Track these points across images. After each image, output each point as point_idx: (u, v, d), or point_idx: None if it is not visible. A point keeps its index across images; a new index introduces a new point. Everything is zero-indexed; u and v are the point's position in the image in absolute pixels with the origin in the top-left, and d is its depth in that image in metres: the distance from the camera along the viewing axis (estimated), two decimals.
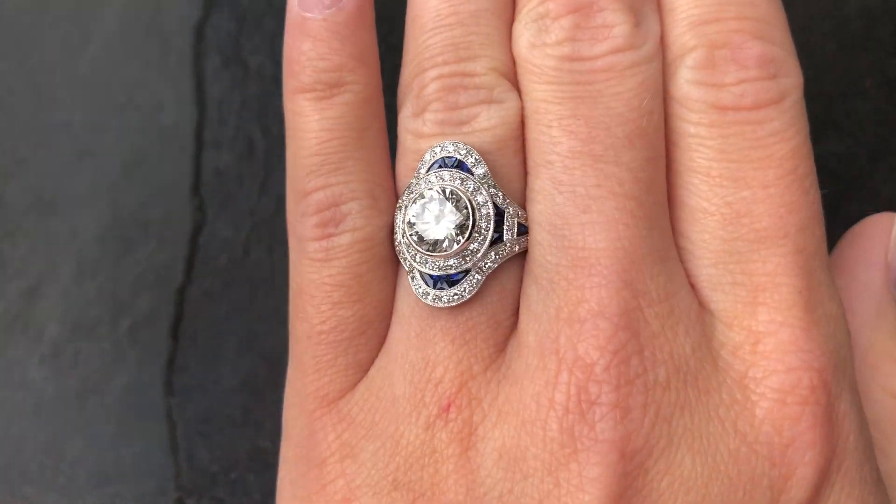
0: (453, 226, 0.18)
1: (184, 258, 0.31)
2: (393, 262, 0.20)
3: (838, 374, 0.17)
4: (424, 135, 0.19)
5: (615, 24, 0.18)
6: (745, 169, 0.18)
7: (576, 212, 0.17)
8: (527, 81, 0.19)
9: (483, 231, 0.18)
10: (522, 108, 0.19)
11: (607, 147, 0.18)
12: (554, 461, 0.16)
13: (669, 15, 0.19)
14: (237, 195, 0.32)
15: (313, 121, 0.19)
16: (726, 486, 0.16)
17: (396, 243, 0.19)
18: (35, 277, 0.31)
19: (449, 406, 0.17)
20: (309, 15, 0.20)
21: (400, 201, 0.19)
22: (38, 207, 0.32)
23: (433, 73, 0.19)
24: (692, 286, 0.18)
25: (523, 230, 0.18)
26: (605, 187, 0.17)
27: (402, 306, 0.19)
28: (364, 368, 0.19)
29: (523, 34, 0.19)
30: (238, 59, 0.34)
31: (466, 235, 0.18)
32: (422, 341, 0.18)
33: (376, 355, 0.19)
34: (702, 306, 0.18)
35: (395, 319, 0.19)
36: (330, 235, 0.19)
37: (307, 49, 0.20)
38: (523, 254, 0.19)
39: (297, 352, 0.20)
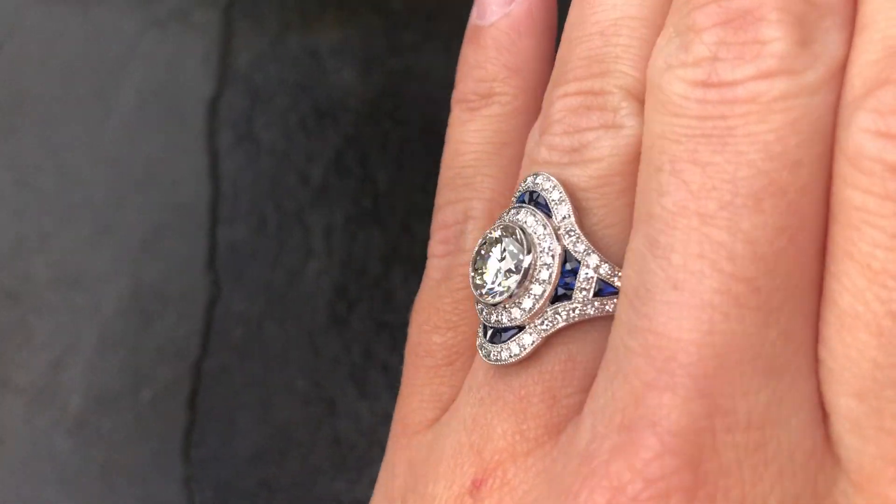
0: (505, 269, 0.15)
1: (200, 332, 0.32)
2: None
3: None
4: (536, 161, 0.16)
5: (770, 40, 0.13)
6: None
7: (665, 286, 0.13)
8: (649, 109, 0.15)
9: (542, 282, 0.15)
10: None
11: (723, 205, 0.13)
12: None
13: (862, 33, 0.14)
14: (251, 269, 0.33)
15: (458, 132, 0.19)
16: None
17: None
18: (60, 350, 0.32)
19: (482, 483, 0.15)
20: (480, 23, 0.19)
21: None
22: (62, 282, 0.33)
23: (561, 90, 0.16)
24: (824, 418, 0.13)
25: (608, 291, 0.15)
26: (709, 260, 0.13)
27: (475, 367, 0.17)
28: (445, 404, 0.17)
29: (662, 51, 0.15)
30: (251, 135, 0.35)
31: (517, 283, 0.15)
32: (477, 398, 0.16)
33: (457, 389, 0.17)
34: (826, 449, 0.13)
35: (466, 380, 0.17)
36: (449, 253, 0.18)
37: (469, 57, 0.19)
38: (608, 322, 0.15)
39: (406, 369, 0.19)
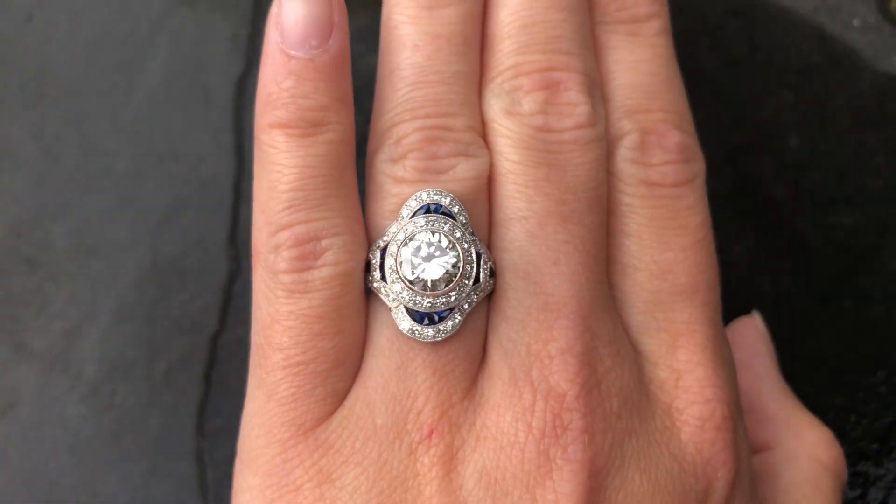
0: (449, 266, 0.19)
1: (218, 306, 0.32)
2: (364, 295, 0.21)
3: (737, 408, 0.21)
4: (405, 180, 0.20)
5: (579, 104, 0.21)
6: (668, 235, 0.21)
7: (547, 262, 0.20)
8: (501, 144, 0.21)
9: (468, 274, 0.19)
10: (491, 165, 0.21)
11: (574, 210, 0.20)
12: (531, 480, 0.18)
13: (609, 103, 0.22)
14: None
15: (294, 156, 0.20)
16: (667, 499, 0.19)
17: (375, 280, 0.20)
18: (76, 319, 0.32)
19: (431, 433, 0.19)
20: (293, 52, 0.21)
21: (381, 240, 0.20)
22: (81, 251, 0.33)
23: (415, 123, 0.21)
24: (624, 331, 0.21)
25: (492, 273, 0.20)
26: (572, 244, 0.20)
27: (381, 339, 0.20)
28: (340, 398, 0.20)
29: (496, 102, 0.21)
30: None
31: (458, 276, 0.19)
32: (403, 373, 0.19)
33: (351, 385, 0.20)
34: (632, 348, 0.21)
35: (371, 351, 0.20)
36: (308, 268, 0.20)
37: (290, 86, 0.21)
38: (488, 297, 0.20)
39: (269, 381, 0.20)
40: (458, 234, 0.19)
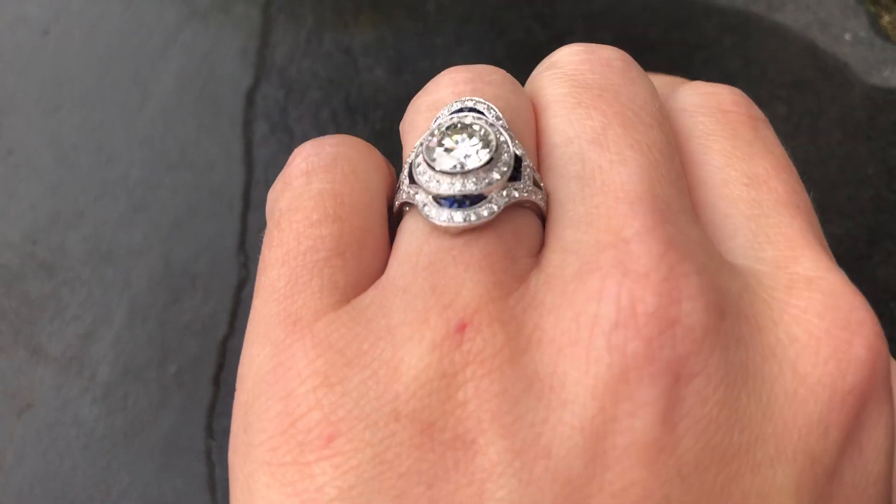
0: (479, 146, 0.16)
1: (228, 311, 0.33)
2: (382, 199, 0.18)
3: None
4: (441, 92, 0.19)
5: (616, 58, 0.19)
6: (755, 152, 0.18)
7: (610, 164, 0.16)
8: (544, 84, 0.19)
9: (503, 162, 0.17)
10: (535, 103, 0.19)
11: (635, 123, 0.17)
12: (600, 385, 0.14)
13: None
14: None
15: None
16: (781, 428, 0.15)
17: (403, 192, 0.18)
18: (91, 322, 0.33)
19: (464, 326, 0.15)
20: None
21: (410, 156, 0.18)
22: (95, 257, 0.34)
23: (453, 72, 0.19)
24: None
25: (536, 183, 0.17)
26: (638, 149, 0.17)
27: (408, 246, 0.17)
28: (342, 294, 0.17)
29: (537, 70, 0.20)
30: (285, 125, 0.36)
31: (493, 161, 0.16)
32: (430, 272, 0.16)
33: (353, 284, 0.17)
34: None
35: (395, 261, 0.17)
36: (317, 154, 0.18)
37: None
38: (537, 212, 0.17)
39: (266, 281, 0.17)
40: (490, 126, 0.17)
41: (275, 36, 0.39)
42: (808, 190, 0.20)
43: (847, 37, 0.38)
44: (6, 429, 0.32)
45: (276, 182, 0.19)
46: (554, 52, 0.20)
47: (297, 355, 0.15)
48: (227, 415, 0.31)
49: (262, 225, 0.33)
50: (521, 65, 0.23)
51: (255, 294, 0.17)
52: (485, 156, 0.16)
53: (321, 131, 0.36)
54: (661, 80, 0.22)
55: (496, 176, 0.16)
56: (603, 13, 0.38)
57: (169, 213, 0.35)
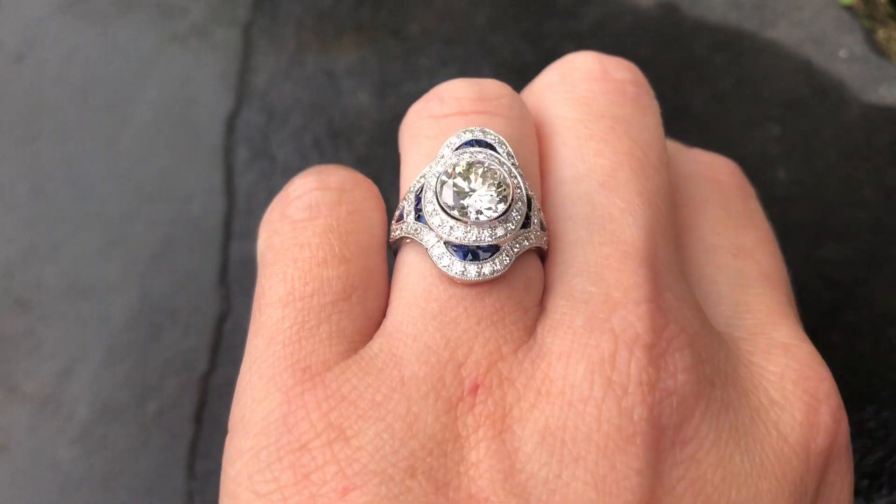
0: (497, 196, 0.17)
1: (208, 345, 0.32)
2: (385, 244, 0.19)
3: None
4: (447, 115, 0.19)
5: (633, 71, 0.21)
6: (744, 223, 0.20)
7: (620, 213, 0.17)
8: (554, 103, 0.20)
9: (517, 210, 0.17)
10: (543, 126, 0.19)
11: (644, 165, 0.18)
12: (610, 444, 0.15)
13: None
14: None
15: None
16: (775, 485, 0.16)
17: (406, 225, 0.18)
18: (67, 359, 0.32)
19: (476, 388, 0.15)
20: None
21: (416, 182, 0.18)
22: (72, 292, 0.33)
23: (454, 84, 0.20)
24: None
25: (542, 226, 0.18)
26: (645, 197, 0.18)
27: (414, 288, 0.17)
28: (350, 342, 0.17)
29: (545, 76, 0.21)
30: (266, 152, 0.36)
31: (509, 209, 0.17)
32: (442, 322, 0.16)
33: (361, 329, 0.17)
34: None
35: (400, 303, 0.17)
36: (316, 204, 0.18)
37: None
38: (539, 253, 0.18)
39: (269, 322, 0.17)
40: (506, 168, 0.17)
41: (255, 60, 0.38)
42: (789, 269, 0.21)
43: (842, 54, 0.37)
44: None
45: (270, 212, 0.20)
46: (565, 59, 0.20)
47: (310, 406, 0.16)
48: (210, 455, 0.30)
49: (244, 256, 0.33)
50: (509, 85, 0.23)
51: (255, 332, 0.17)
52: (501, 207, 0.16)
53: (304, 157, 0.35)
54: None
55: (511, 226, 0.17)
56: (592, 32, 0.37)
57: (147, 246, 0.34)
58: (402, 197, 0.19)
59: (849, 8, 0.39)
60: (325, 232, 0.18)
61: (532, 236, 0.17)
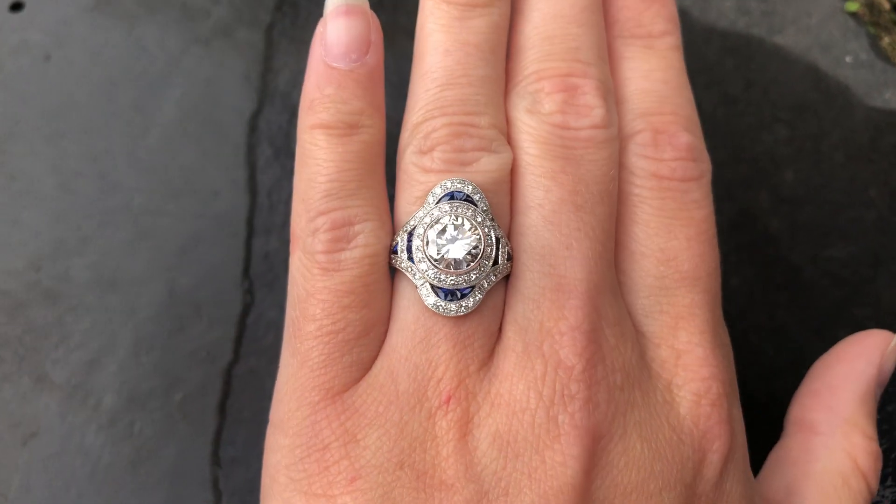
0: (471, 248, 0.21)
1: (232, 337, 0.33)
2: (390, 276, 0.22)
3: (732, 387, 0.23)
4: (432, 170, 0.22)
5: (595, 107, 0.23)
6: (674, 224, 0.23)
7: (560, 247, 0.21)
8: (522, 139, 0.23)
9: (488, 255, 0.21)
10: (514, 160, 0.23)
11: (586, 200, 0.22)
12: (540, 442, 0.20)
13: (623, 105, 0.24)
14: (284, 279, 0.34)
15: (332, 153, 0.22)
16: (665, 465, 0.21)
17: (401, 261, 0.22)
18: (95, 350, 0.33)
19: (449, 399, 0.20)
20: (335, 64, 0.23)
21: (409, 224, 0.22)
22: (100, 284, 0.34)
23: (444, 120, 0.23)
24: (629, 314, 0.23)
25: (509, 257, 0.22)
26: (584, 231, 0.21)
27: (407, 315, 0.21)
28: (366, 367, 0.21)
29: (519, 101, 0.23)
30: (288, 150, 0.36)
31: (479, 256, 0.21)
32: (426, 345, 0.21)
33: (375, 356, 0.21)
34: (635, 329, 0.22)
35: (396, 326, 0.22)
36: (341, 249, 0.22)
37: (331, 92, 0.23)
38: (506, 279, 0.22)
39: (302, 349, 0.21)
40: (479, 219, 0.21)
41: (277, 61, 0.39)
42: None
43: (848, 59, 0.38)
44: (11, 457, 0.32)
45: (296, 231, 0.23)
46: (542, 76, 0.23)
47: (331, 417, 0.21)
48: (233, 443, 0.31)
49: (267, 251, 0.34)
50: None
51: (292, 353, 0.22)
52: (475, 254, 0.21)
53: None
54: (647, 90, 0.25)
55: (482, 271, 0.21)
56: None
57: (173, 240, 0.35)
58: (397, 226, 0.23)
59: (854, 15, 0.39)
60: (351, 280, 0.21)
61: (499, 271, 0.21)
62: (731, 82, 0.38)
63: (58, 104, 0.38)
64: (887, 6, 0.42)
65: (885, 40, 0.40)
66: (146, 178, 0.36)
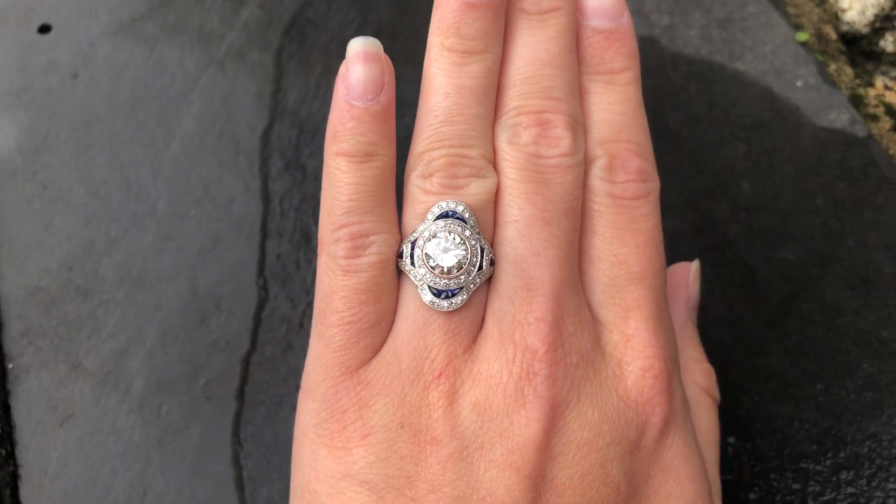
0: (459, 257, 0.25)
1: (249, 329, 0.37)
2: (397, 277, 0.27)
3: (674, 364, 0.27)
4: (431, 192, 0.26)
5: (563, 138, 0.27)
6: (625, 234, 0.27)
7: (531, 254, 0.25)
8: (504, 166, 0.27)
9: (474, 263, 0.25)
10: (498, 183, 0.27)
11: (553, 216, 0.26)
12: (510, 409, 0.24)
13: (588, 134, 0.28)
14: (295, 277, 0.38)
15: (352, 176, 0.27)
16: (613, 426, 0.25)
17: (405, 265, 0.26)
18: (125, 340, 0.37)
19: (440, 375, 0.25)
20: (355, 102, 0.27)
21: (412, 236, 0.26)
22: (128, 282, 0.38)
23: (442, 151, 0.27)
24: (588, 306, 0.27)
25: (492, 263, 0.26)
26: (550, 241, 0.26)
27: (409, 309, 0.26)
28: (376, 349, 0.26)
29: (502, 134, 0.28)
30: (297, 162, 0.40)
31: (466, 264, 0.25)
32: (423, 333, 0.25)
33: (384, 341, 0.26)
34: (593, 319, 0.27)
35: (401, 317, 0.26)
36: (358, 255, 0.26)
37: (351, 126, 0.27)
38: (488, 281, 0.26)
39: (327, 334, 0.26)
40: (467, 234, 0.25)
41: (287, 81, 0.42)
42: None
43: (799, 83, 0.42)
44: (50, 437, 0.35)
45: (322, 240, 0.27)
46: (521, 112, 0.28)
47: (349, 388, 0.25)
48: (252, 423, 0.35)
49: (279, 253, 0.37)
50: None
51: (319, 336, 0.26)
52: (465, 262, 0.25)
53: None
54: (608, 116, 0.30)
55: (469, 275, 0.25)
56: None
57: (194, 242, 0.38)
58: (403, 236, 0.27)
59: (804, 44, 0.44)
60: (367, 281, 0.26)
61: (483, 275, 0.26)
62: (695, 104, 0.42)
63: (85, 119, 0.42)
64: (834, 36, 0.46)
65: (832, 67, 0.44)
66: (169, 186, 0.40)
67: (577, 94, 0.29)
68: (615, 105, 0.29)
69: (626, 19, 0.30)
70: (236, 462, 0.34)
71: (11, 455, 0.35)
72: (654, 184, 0.28)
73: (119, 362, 0.36)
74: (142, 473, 0.34)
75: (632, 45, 0.30)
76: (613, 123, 0.28)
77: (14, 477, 0.34)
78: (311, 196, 0.39)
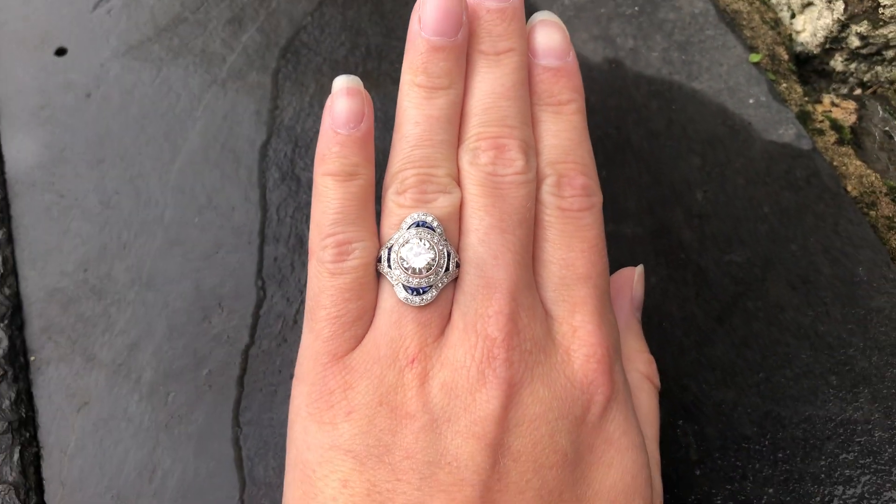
0: (429, 259, 0.28)
1: (249, 325, 0.40)
2: (377, 278, 0.30)
3: (615, 352, 0.30)
4: (405, 206, 0.30)
5: (517, 159, 0.30)
6: (572, 241, 0.30)
7: (490, 258, 0.29)
8: (467, 182, 0.30)
9: (442, 265, 0.28)
10: (462, 197, 0.30)
11: (509, 225, 0.29)
12: (473, 388, 0.27)
13: (539, 156, 0.32)
14: (290, 278, 0.41)
15: (338, 192, 0.31)
16: (561, 403, 0.28)
17: (384, 267, 0.29)
18: (135, 335, 0.40)
19: (413, 360, 0.28)
20: (339, 130, 0.31)
21: (389, 243, 0.29)
22: (138, 282, 0.41)
23: (413, 171, 0.31)
24: (541, 302, 0.30)
25: (457, 266, 0.29)
26: (507, 246, 0.29)
27: (386, 304, 0.29)
28: (359, 340, 0.29)
29: (465, 156, 0.31)
30: (293, 174, 0.44)
31: (434, 266, 0.28)
32: (398, 325, 0.28)
33: (366, 332, 0.29)
34: (545, 313, 0.30)
35: (379, 312, 0.29)
36: (343, 260, 0.29)
37: (336, 150, 0.31)
38: (454, 280, 0.29)
39: (316, 327, 0.29)
40: (436, 240, 0.29)
41: (283, 100, 0.46)
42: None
43: (751, 101, 0.46)
44: (67, 422, 0.39)
45: (312, 247, 0.31)
46: (480, 137, 0.31)
47: (336, 373, 0.28)
48: (250, 409, 0.38)
49: (276, 256, 0.41)
50: None
51: (309, 330, 0.30)
52: (432, 266, 0.28)
53: None
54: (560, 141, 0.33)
55: (437, 276, 0.28)
56: None
57: (199, 246, 0.42)
58: (381, 243, 0.30)
59: (757, 65, 0.47)
60: (353, 282, 0.29)
61: (450, 275, 0.29)
62: (655, 120, 0.45)
63: (98, 134, 0.46)
64: (786, 57, 0.50)
65: (783, 85, 0.48)
66: (175, 195, 0.43)
67: (530, 123, 0.32)
68: (563, 132, 0.32)
69: (571, 58, 0.33)
70: (236, 443, 0.38)
71: (35, 437, 0.38)
72: (598, 198, 0.32)
73: (130, 355, 0.40)
74: (151, 454, 0.38)
75: (577, 81, 0.33)
76: (561, 147, 0.32)
77: (37, 457, 0.38)
78: (306, 204, 0.43)
